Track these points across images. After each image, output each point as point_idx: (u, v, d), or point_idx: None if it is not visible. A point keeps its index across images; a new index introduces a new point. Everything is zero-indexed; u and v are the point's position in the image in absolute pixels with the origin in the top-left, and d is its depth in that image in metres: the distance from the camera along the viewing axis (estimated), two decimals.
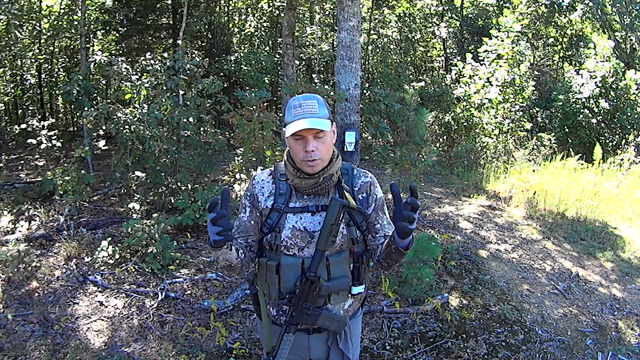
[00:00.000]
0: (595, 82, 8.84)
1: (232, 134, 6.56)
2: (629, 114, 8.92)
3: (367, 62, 12.22)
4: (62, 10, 10.42)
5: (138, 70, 5.96)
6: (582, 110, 8.94)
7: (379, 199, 1.67)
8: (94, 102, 6.25)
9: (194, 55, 6.10)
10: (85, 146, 6.25)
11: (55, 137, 5.62)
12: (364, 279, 1.62)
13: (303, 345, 1.64)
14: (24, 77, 12.91)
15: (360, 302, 1.73)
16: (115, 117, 4.90)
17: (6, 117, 13.18)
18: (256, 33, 12.67)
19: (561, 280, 4.19)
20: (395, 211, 1.36)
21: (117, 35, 11.00)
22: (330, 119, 1.54)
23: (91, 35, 10.70)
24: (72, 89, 6.12)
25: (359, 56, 5.52)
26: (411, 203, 1.31)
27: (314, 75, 13.02)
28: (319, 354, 1.67)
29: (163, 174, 4.99)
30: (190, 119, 5.21)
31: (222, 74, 9.18)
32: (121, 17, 10.46)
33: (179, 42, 6.76)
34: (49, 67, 11.87)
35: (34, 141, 5.55)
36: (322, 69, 13.24)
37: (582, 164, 7.30)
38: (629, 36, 11.52)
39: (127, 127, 4.86)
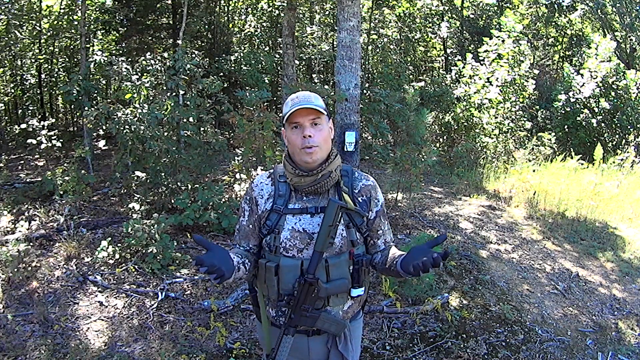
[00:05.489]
0: (596, 82, 8.84)
1: (232, 134, 6.55)
2: (629, 114, 8.91)
3: (367, 62, 12.22)
4: (62, 10, 10.42)
5: (138, 70, 5.96)
6: (582, 110, 8.94)
7: (381, 204, 1.67)
8: (94, 102, 6.25)
9: (194, 55, 6.09)
10: (85, 146, 6.25)
11: (55, 137, 5.63)
12: (363, 281, 1.60)
13: (302, 347, 1.62)
14: (24, 77, 12.90)
15: (360, 305, 1.71)
16: (115, 117, 4.90)
17: (6, 117, 13.18)
18: (256, 33, 12.67)
19: (561, 280, 4.19)
20: (419, 251, 1.45)
21: (117, 35, 11.00)
22: (327, 112, 1.57)
23: (91, 35, 10.69)
24: (72, 89, 6.13)
25: (359, 56, 5.52)
26: (437, 260, 1.37)
27: (314, 75, 13.03)
28: (319, 356, 1.66)
29: (163, 174, 4.99)
30: (190, 119, 5.21)
31: (222, 74, 9.18)
32: (121, 17, 10.47)
33: (179, 42, 6.77)
34: (49, 67, 11.86)
35: (34, 141, 5.56)
36: (322, 69, 13.24)
37: (582, 164, 7.30)
38: (629, 36, 11.52)
39: (127, 127, 4.86)
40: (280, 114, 2.01)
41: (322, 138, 1.53)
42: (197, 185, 4.93)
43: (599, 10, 11.40)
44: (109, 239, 4.07)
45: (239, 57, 10.36)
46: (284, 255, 1.55)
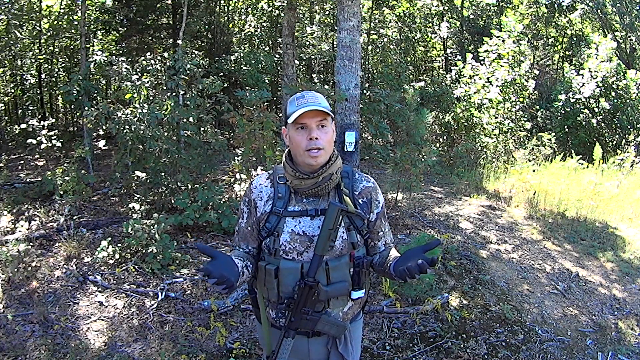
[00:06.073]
0: (596, 82, 8.85)
1: (232, 134, 6.55)
2: (629, 114, 8.92)
3: (367, 62, 12.22)
4: (62, 10, 10.42)
5: (138, 70, 5.96)
6: (582, 110, 8.95)
7: (382, 206, 1.65)
8: (94, 102, 6.24)
9: (194, 55, 6.09)
10: (85, 146, 6.25)
11: (55, 137, 5.62)
12: (364, 283, 1.59)
13: (302, 349, 1.62)
14: (24, 77, 12.90)
15: (360, 306, 1.70)
16: (115, 117, 4.90)
17: (6, 117, 13.18)
18: (256, 33, 12.67)
19: (561, 280, 4.19)
20: (411, 255, 1.45)
21: (117, 35, 11.00)
22: (332, 114, 1.54)
23: (91, 35, 10.69)
24: (72, 89, 6.12)
25: (359, 56, 5.51)
26: (423, 266, 1.37)
27: (314, 75, 13.03)
28: (319, 357, 1.65)
29: (163, 174, 4.99)
30: (190, 119, 5.21)
31: (222, 74, 9.17)
32: (121, 17, 10.46)
33: (179, 42, 6.76)
34: (49, 67, 11.86)
35: (34, 141, 5.55)
36: (322, 69, 13.24)
37: (582, 164, 7.31)
38: (629, 36, 11.52)
39: (127, 127, 4.86)
40: (281, 114, 2.00)
41: (327, 140, 1.52)
42: (197, 185, 4.93)
43: (599, 10, 11.40)
44: (109, 239, 4.06)
45: (239, 57, 10.36)
46: (284, 258, 1.53)
